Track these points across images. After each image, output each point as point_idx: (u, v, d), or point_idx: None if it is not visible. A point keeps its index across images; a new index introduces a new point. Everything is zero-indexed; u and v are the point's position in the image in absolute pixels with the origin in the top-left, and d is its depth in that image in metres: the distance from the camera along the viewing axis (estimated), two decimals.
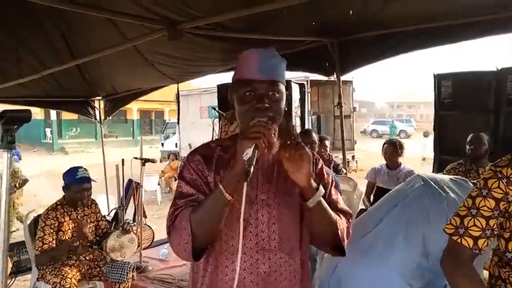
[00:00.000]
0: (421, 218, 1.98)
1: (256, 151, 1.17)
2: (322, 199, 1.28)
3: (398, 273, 1.96)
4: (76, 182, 3.28)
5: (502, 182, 1.27)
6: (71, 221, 3.28)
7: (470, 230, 1.29)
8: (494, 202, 1.28)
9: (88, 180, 3.32)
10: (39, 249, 3.08)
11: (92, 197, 3.51)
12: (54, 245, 3.15)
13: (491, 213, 1.28)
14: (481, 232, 1.28)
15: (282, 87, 1.34)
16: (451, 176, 2.29)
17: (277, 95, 1.31)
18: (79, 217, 3.34)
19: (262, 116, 1.26)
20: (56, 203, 3.31)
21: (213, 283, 1.34)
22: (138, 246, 4.19)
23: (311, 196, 1.26)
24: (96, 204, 3.55)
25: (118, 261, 3.41)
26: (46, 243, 3.09)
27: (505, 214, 1.29)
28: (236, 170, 1.20)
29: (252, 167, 1.14)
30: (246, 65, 1.33)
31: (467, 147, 3.74)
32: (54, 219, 3.19)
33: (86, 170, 3.38)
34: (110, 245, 3.39)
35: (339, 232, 1.32)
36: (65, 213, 3.27)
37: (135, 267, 3.47)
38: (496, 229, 1.30)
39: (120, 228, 3.53)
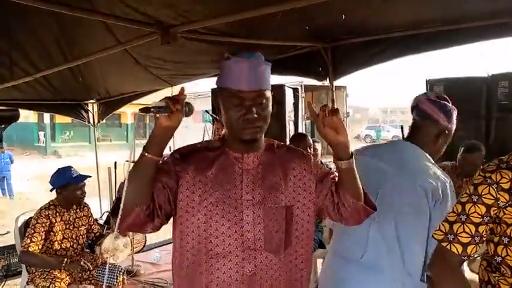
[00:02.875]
0: (397, 210, 1.80)
1: (165, 104, 1.19)
2: (354, 165, 1.35)
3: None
4: (74, 181, 3.29)
5: (492, 188, 1.27)
6: (62, 221, 3.27)
7: (459, 236, 1.29)
8: (485, 208, 1.28)
9: (85, 177, 3.35)
10: (26, 246, 3.05)
11: (84, 200, 3.49)
12: (41, 245, 3.11)
13: (481, 219, 1.28)
14: (470, 238, 1.28)
15: (268, 93, 1.37)
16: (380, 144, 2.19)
17: (265, 102, 1.34)
18: (71, 219, 3.33)
19: (252, 127, 1.31)
20: (48, 203, 3.30)
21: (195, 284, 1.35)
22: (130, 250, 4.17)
23: (345, 158, 1.32)
24: (89, 207, 3.54)
25: (109, 264, 3.39)
26: (34, 242, 3.07)
27: (495, 220, 1.29)
28: (155, 128, 1.24)
29: (154, 109, 1.19)
30: (234, 74, 1.32)
31: (458, 162, 3.65)
32: (46, 218, 3.18)
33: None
34: (105, 245, 3.37)
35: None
36: (57, 214, 3.26)
37: (125, 270, 3.45)
38: (485, 235, 1.30)
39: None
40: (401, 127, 2.07)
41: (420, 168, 1.80)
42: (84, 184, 3.38)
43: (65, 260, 3.11)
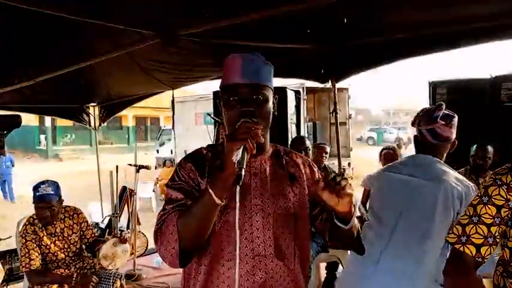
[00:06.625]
0: (435, 218, 1.87)
1: (246, 153, 1.14)
2: (353, 228, 1.28)
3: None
4: (35, 199, 3.06)
5: (502, 189, 1.29)
6: (48, 236, 3.15)
7: (472, 237, 1.30)
8: (495, 209, 1.29)
9: (47, 197, 3.04)
10: (27, 265, 2.98)
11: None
12: (40, 260, 3.04)
13: (493, 220, 1.29)
14: (483, 239, 1.28)
15: (268, 91, 1.34)
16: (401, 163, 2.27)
17: (262, 98, 1.31)
18: (58, 231, 3.19)
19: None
20: (31, 217, 3.16)
21: None
22: (132, 254, 4.15)
23: (348, 219, 1.24)
24: (80, 213, 3.35)
25: (106, 270, 3.34)
26: (33, 259, 2.99)
27: (508, 222, 1.29)
28: (225, 172, 1.16)
29: (243, 170, 1.11)
30: (230, 70, 1.32)
31: (472, 159, 3.68)
32: (34, 233, 3.08)
33: (52, 185, 3.09)
34: (104, 251, 3.32)
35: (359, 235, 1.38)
36: (41, 228, 3.13)
37: (122, 275, 3.39)
38: (498, 237, 1.30)
39: (118, 237, 3.45)
40: (414, 139, 2.13)
41: (451, 178, 1.92)
42: (47, 205, 3.02)
43: (75, 275, 3.05)
